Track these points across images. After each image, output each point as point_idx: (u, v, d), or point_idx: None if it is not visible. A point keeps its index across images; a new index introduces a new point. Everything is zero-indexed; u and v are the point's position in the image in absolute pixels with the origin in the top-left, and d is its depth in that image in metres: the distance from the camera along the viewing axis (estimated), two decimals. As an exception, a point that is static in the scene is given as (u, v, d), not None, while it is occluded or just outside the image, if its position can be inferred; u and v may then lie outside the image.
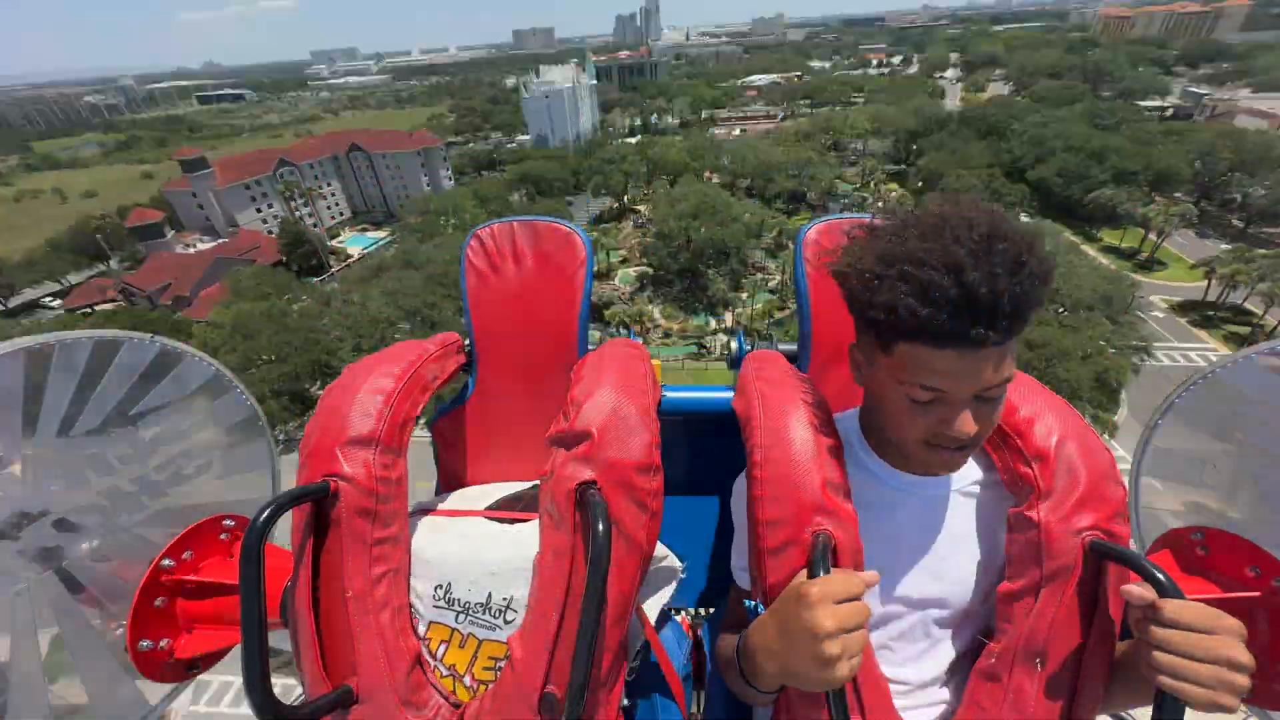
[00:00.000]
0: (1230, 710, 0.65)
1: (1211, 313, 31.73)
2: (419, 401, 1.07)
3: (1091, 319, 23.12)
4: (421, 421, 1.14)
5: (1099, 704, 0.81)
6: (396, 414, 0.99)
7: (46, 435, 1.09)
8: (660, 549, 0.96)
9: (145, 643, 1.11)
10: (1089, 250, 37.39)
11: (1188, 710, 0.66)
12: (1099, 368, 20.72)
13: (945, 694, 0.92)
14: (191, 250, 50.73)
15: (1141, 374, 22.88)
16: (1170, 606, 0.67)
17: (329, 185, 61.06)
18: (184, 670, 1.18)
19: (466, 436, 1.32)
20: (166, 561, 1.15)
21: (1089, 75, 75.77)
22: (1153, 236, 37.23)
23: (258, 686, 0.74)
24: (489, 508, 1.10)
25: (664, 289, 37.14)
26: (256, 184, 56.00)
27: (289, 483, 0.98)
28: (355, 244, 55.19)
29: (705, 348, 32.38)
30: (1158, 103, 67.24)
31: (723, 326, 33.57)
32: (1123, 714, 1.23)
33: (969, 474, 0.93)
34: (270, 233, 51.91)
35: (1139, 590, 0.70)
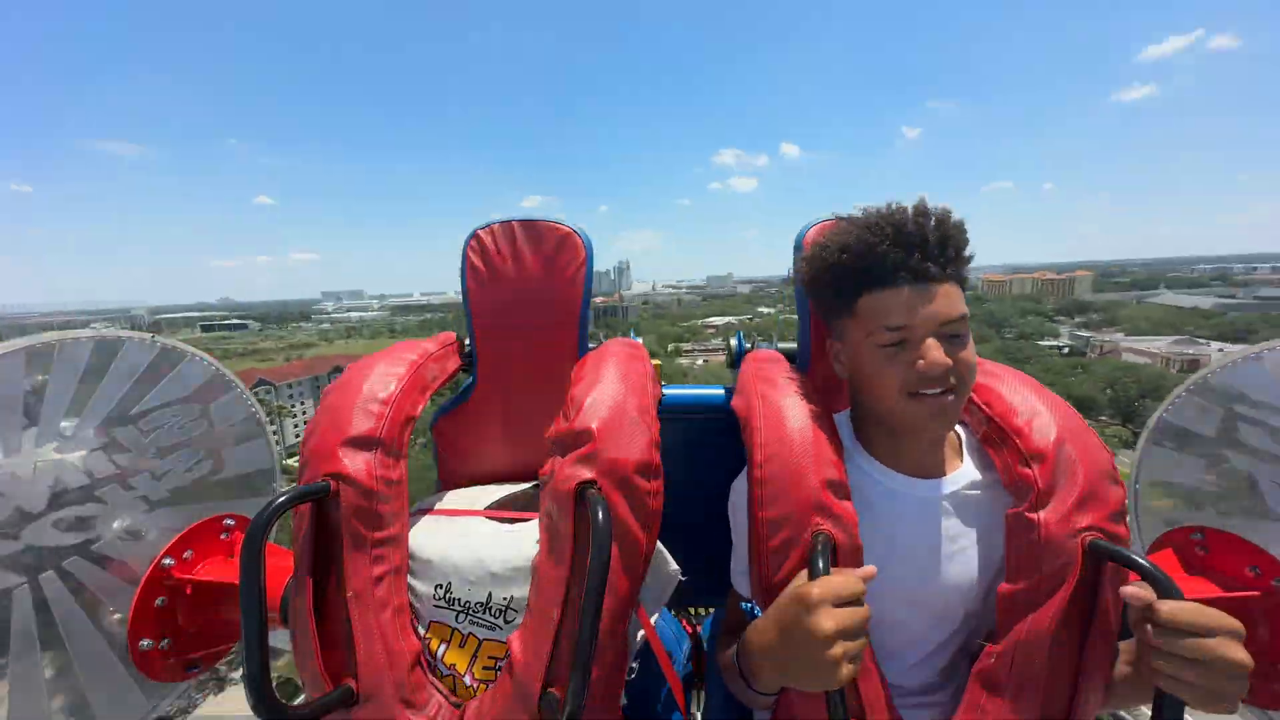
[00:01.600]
0: (1230, 711, 0.65)
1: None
2: (419, 402, 1.07)
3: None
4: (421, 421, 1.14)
5: (1099, 706, 0.81)
6: (397, 414, 0.99)
7: (47, 435, 1.09)
8: (659, 550, 0.96)
9: (146, 642, 1.10)
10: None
11: (1187, 710, 0.66)
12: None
13: (944, 698, 0.91)
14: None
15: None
16: (1169, 607, 0.66)
17: (302, 404, 59.75)
18: (184, 670, 1.18)
19: (467, 436, 1.32)
20: (167, 561, 1.15)
21: (989, 322, 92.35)
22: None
23: (258, 686, 0.74)
24: (489, 507, 1.09)
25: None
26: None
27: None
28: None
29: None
30: (1054, 342, 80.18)
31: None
32: (1123, 713, 1.23)
33: (966, 475, 0.93)
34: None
35: (1137, 590, 0.69)
